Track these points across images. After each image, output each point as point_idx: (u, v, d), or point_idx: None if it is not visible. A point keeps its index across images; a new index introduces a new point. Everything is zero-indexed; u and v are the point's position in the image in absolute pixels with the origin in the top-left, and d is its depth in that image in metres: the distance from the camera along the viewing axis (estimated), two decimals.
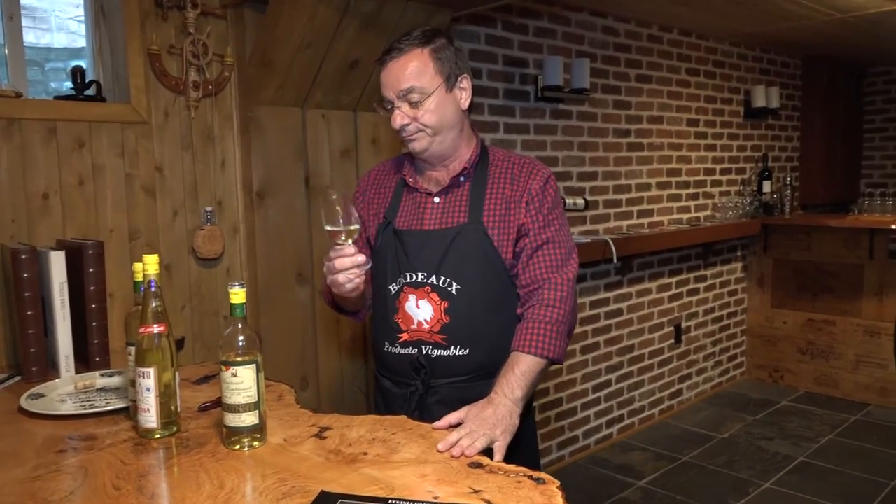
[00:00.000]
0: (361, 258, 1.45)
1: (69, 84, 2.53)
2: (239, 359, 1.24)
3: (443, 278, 1.57)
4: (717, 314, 4.66)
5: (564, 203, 3.19)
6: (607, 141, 3.75)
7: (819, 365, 4.65)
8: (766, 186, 4.82)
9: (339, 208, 1.41)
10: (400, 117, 1.55)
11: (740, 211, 4.57)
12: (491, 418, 1.34)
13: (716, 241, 4.43)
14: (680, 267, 4.31)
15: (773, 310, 4.84)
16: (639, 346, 4.04)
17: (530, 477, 1.12)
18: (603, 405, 3.82)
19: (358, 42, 2.31)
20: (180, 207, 2.23)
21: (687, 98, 4.26)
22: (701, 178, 4.43)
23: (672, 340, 4.27)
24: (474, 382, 1.60)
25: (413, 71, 1.52)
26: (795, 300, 4.74)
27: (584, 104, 3.58)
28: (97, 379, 1.66)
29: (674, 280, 4.27)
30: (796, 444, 3.81)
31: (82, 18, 2.38)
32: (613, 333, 3.88)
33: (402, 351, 1.62)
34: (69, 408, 1.47)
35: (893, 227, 4.16)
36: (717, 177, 4.57)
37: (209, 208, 2.25)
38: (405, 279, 1.60)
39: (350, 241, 1.44)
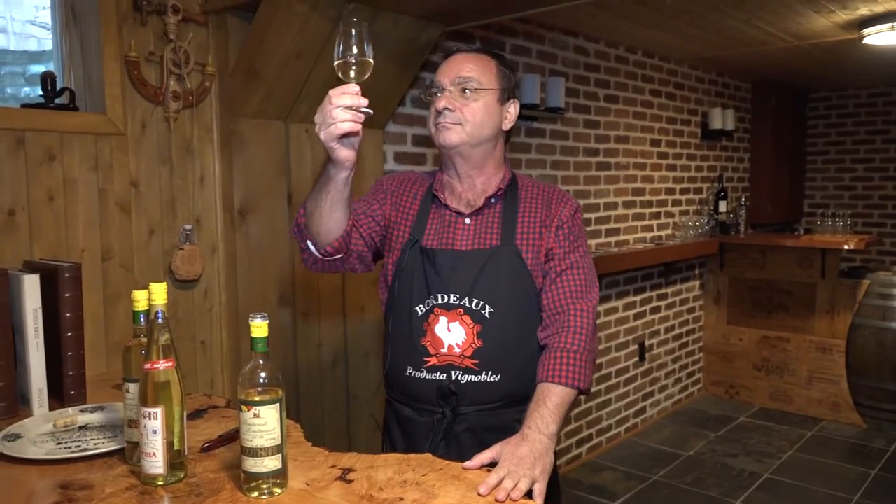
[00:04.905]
0: (364, 101, 1.28)
1: (28, 90, 2.34)
2: (260, 398, 1.14)
3: (476, 300, 1.51)
4: (676, 332, 4.72)
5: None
6: (578, 160, 3.75)
7: (773, 381, 4.76)
8: (722, 206, 4.94)
9: (358, 36, 1.29)
10: (446, 99, 1.52)
11: (699, 230, 4.66)
12: (528, 457, 1.27)
13: (677, 259, 4.49)
14: (644, 285, 4.34)
15: (729, 327, 4.94)
16: (606, 364, 4.04)
17: None
18: (573, 425, 3.80)
19: None
20: (157, 225, 2.07)
21: (650, 119, 4.32)
22: (662, 197, 4.49)
23: (637, 359, 4.30)
24: (502, 410, 1.54)
25: (478, 65, 1.54)
26: (751, 317, 4.85)
27: (557, 123, 3.58)
28: (78, 416, 1.51)
29: (638, 298, 4.30)
30: (759, 460, 3.87)
31: (42, 21, 2.21)
32: None
33: (429, 376, 1.53)
34: (53, 450, 1.32)
35: (845, 247, 4.31)
36: (677, 196, 4.65)
37: (188, 226, 2.11)
38: (436, 300, 1.53)
39: (357, 82, 1.29)
